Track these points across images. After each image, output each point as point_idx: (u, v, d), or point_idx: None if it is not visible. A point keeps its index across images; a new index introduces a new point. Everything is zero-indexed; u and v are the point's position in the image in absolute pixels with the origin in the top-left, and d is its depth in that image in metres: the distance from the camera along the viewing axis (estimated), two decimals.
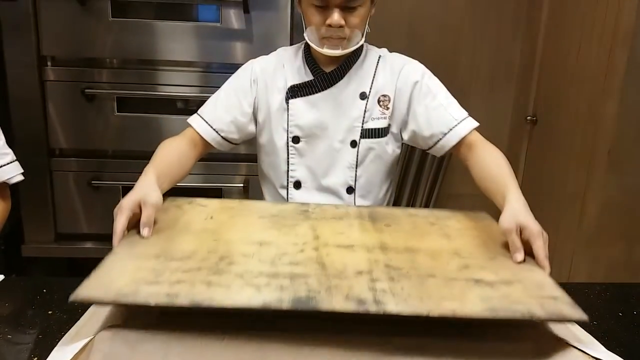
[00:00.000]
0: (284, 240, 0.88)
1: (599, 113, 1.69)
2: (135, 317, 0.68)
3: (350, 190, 1.22)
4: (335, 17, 1.05)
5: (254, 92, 1.20)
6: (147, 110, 1.82)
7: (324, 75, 1.17)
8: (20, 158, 1.24)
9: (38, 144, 1.80)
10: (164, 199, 0.96)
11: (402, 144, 1.25)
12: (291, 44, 1.62)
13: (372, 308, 0.66)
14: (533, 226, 0.84)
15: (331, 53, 1.10)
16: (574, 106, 1.84)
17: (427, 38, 2.15)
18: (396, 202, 1.40)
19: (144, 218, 0.87)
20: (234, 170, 1.89)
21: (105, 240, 1.87)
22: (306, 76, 1.18)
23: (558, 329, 0.74)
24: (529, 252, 0.84)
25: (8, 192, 1.23)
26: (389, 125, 1.20)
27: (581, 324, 0.69)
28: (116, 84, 1.79)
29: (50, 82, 1.76)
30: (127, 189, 1.82)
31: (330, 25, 1.06)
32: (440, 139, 1.17)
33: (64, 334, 0.71)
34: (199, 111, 1.21)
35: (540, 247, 0.82)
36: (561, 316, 0.68)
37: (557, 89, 1.97)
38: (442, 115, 1.16)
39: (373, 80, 1.18)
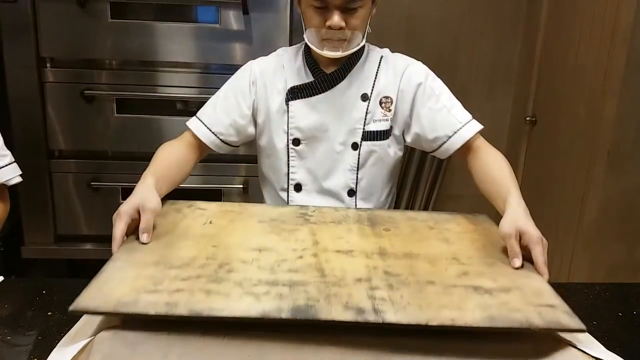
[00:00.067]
0: (284, 245, 0.88)
1: (598, 113, 1.69)
2: (134, 318, 0.68)
3: (351, 193, 1.21)
4: (336, 18, 1.04)
5: (253, 94, 1.19)
6: (147, 112, 1.82)
7: (324, 76, 1.15)
8: (19, 159, 1.24)
9: (37, 145, 1.80)
10: (163, 202, 0.96)
11: (404, 146, 1.24)
12: (290, 45, 1.61)
13: (371, 317, 0.66)
14: (533, 232, 0.84)
15: (331, 55, 1.09)
16: (573, 107, 1.83)
17: (426, 38, 2.14)
18: (396, 203, 1.40)
19: (142, 224, 0.87)
20: (233, 171, 1.89)
21: (104, 241, 1.85)
22: (306, 77, 1.17)
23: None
24: (528, 258, 0.84)
25: (7, 193, 1.23)
26: (391, 127, 1.19)
27: None
28: (115, 85, 1.78)
29: (49, 84, 1.76)
30: (126, 190, 1.83)
31: (330, 27, 1.05)
32: (445, 141, 1.16)
33: (63, 335, 0.71)
34: (197, 114, 1.20)
35: (539, 253, 0.82)
36: (559, 325, 0.68)
37: (556, 89, 1.97)
38: (446, 117, 1.15)
39: (375, 81, 1.17)
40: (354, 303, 0.69)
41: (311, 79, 1.16)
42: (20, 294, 0.90)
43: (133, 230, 0.89)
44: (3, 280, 0.93)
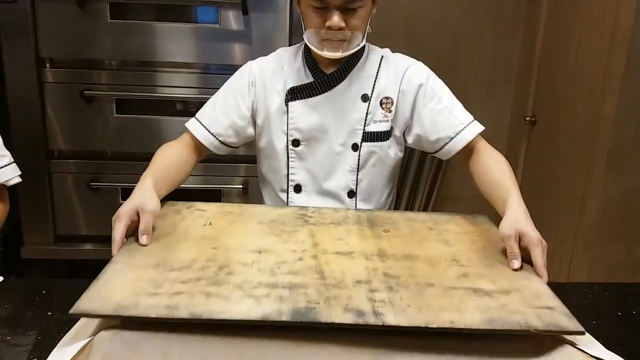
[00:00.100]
0: (283, 247, 0.88)
1: (598, 113, 1.69)
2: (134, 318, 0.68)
3: (351, 194, 1.21)
4: (335, 19, 1.03)
5: (252, 94, 1.18)
6: (146, 112, 1.82)
7: (324, 77, 1.14)
8: (19, 160, 1.24)
9: (37, 145, 1.79)
10: (162, 204, 0.96)
11: (405, 147, 1.24)
12: (290, 46, 1.61)
13: (371, 320, 0.66)
14: (532, 234, 0.84)
15: (331, 56, 1.08)
16: (573, 107, 1.83)
17: (426, 38, 2.14)
18: (395, 204, 1.40)
19: (142, 226, 0.87)
20: (233, 171, 1.89)
21: (104, 242, 1.85)
22: (306, 78, 1.16)
23: None
24: (528, 260, 0.85)
25: (6, 194, 1.23)
26: (392, 128, 1.18)
27: (581, 322, 0.70)
28: (115, 85, 1.78)
29: (48, 84, 1.76)
30: (126, 191, 1.83)
31: (330, 28, 1.04)
32: (447, 143, 1.15)
33: (63, 335, 0.71)
34: (196, 115, 1.20)
35: (538, 254, 0.83)
36: (558, 327, 0.68)
37: (556, 89, 1.97)
38: (448, 119, 1.15)
39: (375, 81, 1.16)
40: (354, 305, 0.69)
41: (311, 79, 1.16)
42: (20, 294, 0.90)
43: (132, 232, 0.89)
44: (3, 281, 0.94)
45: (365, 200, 1.23)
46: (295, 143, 1.18)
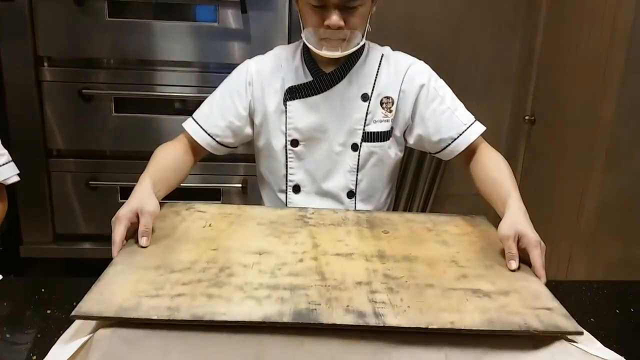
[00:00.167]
0: (284, 249, 0.88)
1: (596, 112, 1.69)
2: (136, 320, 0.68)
3: (350, 194, 1.20)
4: (334, 18, 1.01)
5: (249, 94, 1.16)
6: (145, 111, 1.82)
7: (323, 76, 1.13)
8: (17, 159, 1.24)
9: (35, 144, 1.79)
10: (161, 204, 0.96)
11: (405, 147, 1.23)
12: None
13: (372, 321, 0.67)
14: (532, 235, 0.85)
15: (330, 55, 1.06)
16: (572, 106, 1.84)
17: (425, 37, 2.14)
18: (394, 203, 1.40)
19: (141, 227, 0.87)
20: (232, 170, 1.89)
21: (103, 240, 1.87)
22: (305, 77, 1.14)
23: None
24: (526, 261, 0.85)
25: (4, 192, 1.23)
26: (392, 128, 1.17)
27: (579, 320, 0.70)
28: (113, 84, 1.78)
29: (47, 83, 1.76)
30: (125, 190, 1.83)
31: (328, 27, 1.02)
32: (449, 144, 1.15)
33: (62, 334, 0.71)
34: (194, 115, 1.18)
35: (537, 256, 0.83)
36: (557, 328, 0.68)
37: (555, 88, 1.97)
38: (450, 119, 1.14)
39: (375, 80, 1.15)
40: (355, 307, 0.70)
41: (310, 78, 1.14)
42: (19, 293, 0.90)
43: (132, 234, 0.89)
44: (2, 279, 0.94)
45: (365, 201, 1.23)
46: (294, 143, 1.17)
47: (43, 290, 0.90)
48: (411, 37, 2.12)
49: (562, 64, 1.90)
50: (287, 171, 1.20)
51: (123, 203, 0.91)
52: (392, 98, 1.15)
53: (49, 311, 0.83)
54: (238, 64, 1.22)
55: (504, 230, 0.87)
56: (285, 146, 1.17)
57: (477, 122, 1.16)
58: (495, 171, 1.06)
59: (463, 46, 2.18)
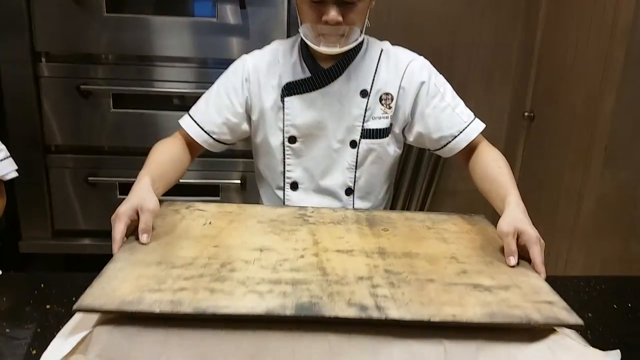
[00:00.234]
0: (284, 245, 0.88)
1: (596, 109, 1.70)
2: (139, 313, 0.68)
3: (349, 191, 1.20)
4: (332, 13, 0.99)
5: (246, 90, 1.15)
6: (143, 107, 1.81)
7: (321, 71, 1.11)
8: (16, 155, 1.24)
9: (34, 140, 1.79)
10: (160, 203, 0.96)
11: (404, 144, 1.22)
12: None
13: (375, 314, 0.67)
14: (531, 232, 0.85)
15: (328, 51, 1.05)
16: (571, 102, 1.84)
17: (424, 32, 2.14)
18: (393, 200, 1.40)
19: (142, 224, 0.86)
20: (231, 166, 1.89)
21: (102, 236, 1.88)
22: (302, 73, 1.13)
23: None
24: (526, 257, 0.85)
25: (3, 188, 1.23)
26: (391, 125, 1.16)
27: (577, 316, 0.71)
28: (112, 80, 1.78)
29: (44, 78, 1.75)
30: (123, 186, 1.83)
31: (327, 22, 1.00)
32: (450, 141, 1.14)
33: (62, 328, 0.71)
34: (190, 111, 1.17)
35: (537, 252, 0.83)
36: (558, 320, 0.69)
37: (554, 85, 1.97)
38: (451, 117, 1.13)
39: (375, 76, 1.13)
40: (357, 300, 0.70)
41: (307, 74, 1.12)
42: (18, 288, 0.91)
43: (132, 231, 0.89)
44: (1, 275, 0.94)
45: (363, 198, 1.22)
46: (292, 140, 1.16)
47: (42, 285, 0.90)
48: (410, 33, 2.12)
49: (562, 60, 1.90)
50: (284, 168, 1.19)
51: (122, 199, 0.90)
52: (391, 94, 1.14)
53: (48, 306, 0.84)
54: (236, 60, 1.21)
55: (504, 227, 0.87)
56: (283, 143, 1.16)
57: (477, 120, 1.16)
58: (494, 168, 1.06)
59: (462, 42, 2.18)
